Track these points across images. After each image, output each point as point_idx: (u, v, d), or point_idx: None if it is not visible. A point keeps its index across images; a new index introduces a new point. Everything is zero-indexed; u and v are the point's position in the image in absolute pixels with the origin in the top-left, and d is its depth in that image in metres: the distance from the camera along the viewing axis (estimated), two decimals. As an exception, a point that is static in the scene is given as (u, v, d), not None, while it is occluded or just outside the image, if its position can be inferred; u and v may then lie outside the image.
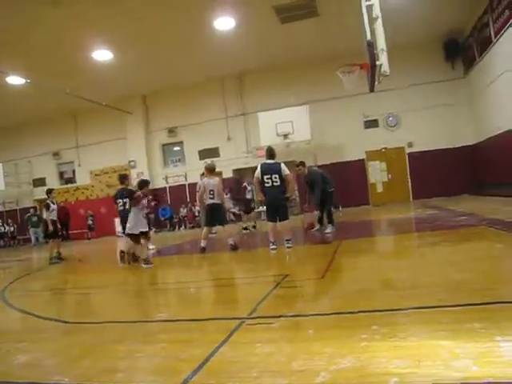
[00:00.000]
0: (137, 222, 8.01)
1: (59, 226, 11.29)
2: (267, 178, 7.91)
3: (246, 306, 4.03)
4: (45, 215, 10.92)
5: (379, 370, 2.24)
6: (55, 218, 11.05)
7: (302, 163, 10.74)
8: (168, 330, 3.66)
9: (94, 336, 3.69)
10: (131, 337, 3.52)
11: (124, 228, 8.57)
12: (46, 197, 11.33)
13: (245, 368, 2.50)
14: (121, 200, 9.11)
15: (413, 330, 2.80)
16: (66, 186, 24.78)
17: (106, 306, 5.32)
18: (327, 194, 10.00)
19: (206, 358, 2.72)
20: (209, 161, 17.09)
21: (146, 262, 7.91)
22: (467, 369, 2.13)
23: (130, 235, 8.11)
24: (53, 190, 11.48)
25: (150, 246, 11.33)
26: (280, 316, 3.47)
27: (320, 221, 10.38)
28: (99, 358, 3.03)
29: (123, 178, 9.51)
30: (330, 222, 10.11)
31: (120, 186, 9.56)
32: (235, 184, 18.07)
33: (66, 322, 4.28)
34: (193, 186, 20.13)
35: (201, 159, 20.94)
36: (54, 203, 11.17)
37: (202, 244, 8.84)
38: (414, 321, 3.02)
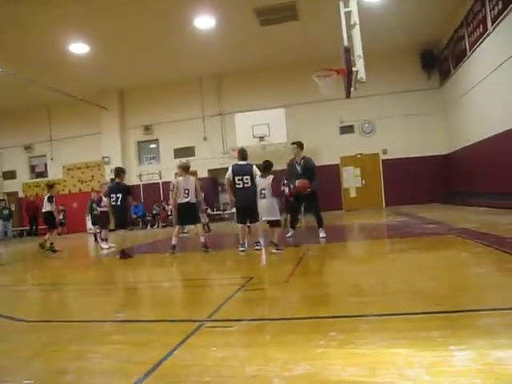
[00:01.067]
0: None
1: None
2: (238, 180, 7.85)
3: (208, 308, 3.96)
4: (50, 207, 11.53)
5: (333, 378, 2.21)
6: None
7: (300, 144, 9.66)
8: (125, 330, 3.58)
9: (48, 335, 3.56)
10: (86, 337, 3.43)
11: (120, 223, 9.01)
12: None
13: (197, 372, 2.44)
14: (114, 195, 8.90)
15: (371, 337, 2.78)
16: (36, 180, 24.23)
17: (66, 305, 5.20)
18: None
19: (159, 360, 2.65)
20: (184, 159, 16.92)
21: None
22: (419, 378, 2.11)
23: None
24: (54, 185, 12.58)
25: (106, 245, 11.27)
26: (239, 319, 3.41)
27: (293, 224, 9.90)
28: (50, 359, 2.93)
29: (120, 171, 9.24)
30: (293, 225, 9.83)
31: (115, 180, 9.30)
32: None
33: (20, 321, 4.14)
34: (167, 184, 19.92)
35: (176, 158, 20.76)
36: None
37: (173, 242, 8.73)
38: (374, 328, 3.00)
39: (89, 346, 3.15)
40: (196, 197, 8.77)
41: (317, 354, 2.55)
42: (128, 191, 8.95)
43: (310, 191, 9.10)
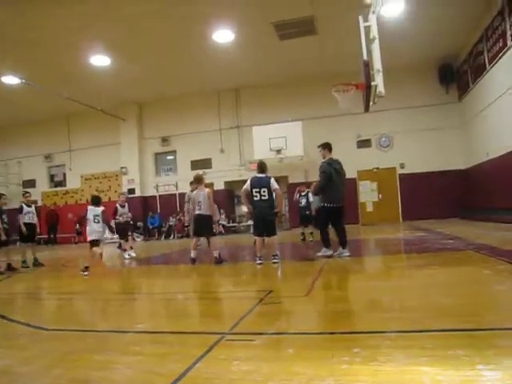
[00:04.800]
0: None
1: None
2: (256, 192, 7.86)
3: (228, 320, 3.96)
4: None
5: (358, 395, 2.18)
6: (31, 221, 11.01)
7: (328, 145, 8.65)
8: (146, 341, 3.59)
9: (68, 344, 3.59)
10: (107, 347, 3.43)
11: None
12: (34, 199, 11.29)
13: (221, 386, 2.43)
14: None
15: (395, 354, 2.74)
16: (55, 189, 24.59)
17: (85, 314, 5.23)
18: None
19: (181, 373, 2.64)
20: (200, 171, 17.02)
21: None
22: (448, 398, 2.08)
23: None
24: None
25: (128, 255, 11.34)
26: (261, 333, 3.40)
27: (326, 241, 8.39)
28: (71, 368, 2.94)
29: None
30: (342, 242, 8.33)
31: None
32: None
33: (41, 329, 4.18)
34: (183, 195, 20.03)
35: (193, 169, 20.87)
36: (29, 206, 11.12)
37: (192, 255, 8.76)
38: (397, 345, 2.96)
39: (110, 357, 3.15)
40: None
41: (342, 370, 2.52)
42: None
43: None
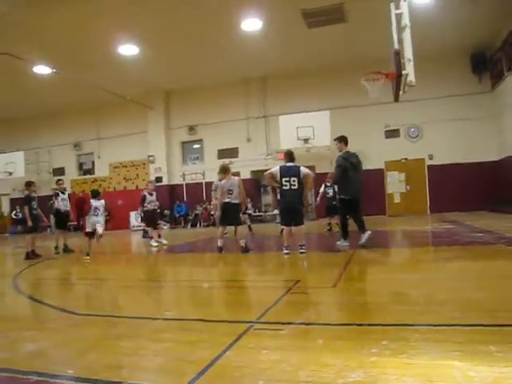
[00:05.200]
0: None
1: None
2: (285, 181, 7.84)
3: (256, 309, 3.99)
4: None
5: (388, 388, 2.18)
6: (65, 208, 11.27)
7: (345, 138, 8.75)
8: (175, 329, 3.64)
9: (99, 330, 3.68)
10: (138, 333, 3.51)
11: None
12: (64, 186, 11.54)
13: (250, 374, 2.46)
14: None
15: (424, 348, 2.72)
16: (84, 177, 25.03)
17: (115, 300, 5.33)
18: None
19: (211, 360, 2.68)
20: (227, 160, 17.07)
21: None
22: (480, 393, 2.06)
23: None
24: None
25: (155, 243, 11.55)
26: (289, 323, 3.42)
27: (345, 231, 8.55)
28: (104, 353, 3.02)
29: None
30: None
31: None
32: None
33: (73, 313, 4.28)
34: (210, 184, 20.15)
35: (219, 158, 20.95)
36: (63, 193, 11.38)
37: (219, 244, 8.82)
38: (426, 338, 2.93)
39: (140, 343, 3.22)
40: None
41: (370, 362, 2.52)
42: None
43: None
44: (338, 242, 8.47)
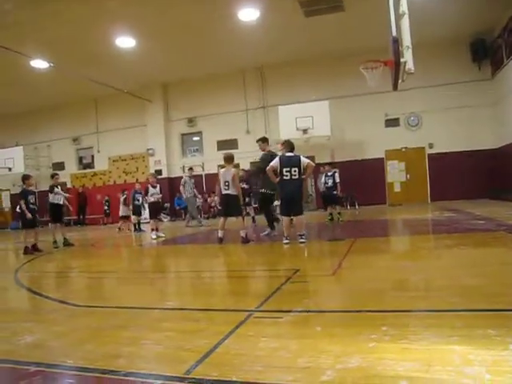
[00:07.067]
0: None
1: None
2: (286, 171, 7.81)
3: (256, 298, 3.98)
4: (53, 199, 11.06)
5: (387, 372, 2.17)
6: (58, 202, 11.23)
7: (265, 139, 10.16)
8: (175, 318, 3.64)
9: (99, 320, 3.67)
10: (137, 323, 3.50)
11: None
12: (63, 181, 11.50)
13: (249, 361, 2.45)
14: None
15: (424, 333, 2.71)
16: (83, 171, 25.03)
17: (115, 291, 5.34)
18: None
19: (210, 349, 2.67)
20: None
21: None
22: (480, 376, 2.04)
23: None
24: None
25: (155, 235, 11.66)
26: (289, 311, 3.41)
27: (271, 223, 9.67)
28: (103, 343, 3.01)
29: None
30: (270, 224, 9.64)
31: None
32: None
33: (72, 305, 4.29)
34: (209, 176, 20.22)
35: (219, 150, 20.92)
36: (57, 187, 11.26)
37: (219, 235, 8.80)
38: (426, 324, 2.93)
39: (139, 333, 3.21)
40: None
41: (369, 347, 2.52)
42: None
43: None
44: (263, 234, 9.54)
